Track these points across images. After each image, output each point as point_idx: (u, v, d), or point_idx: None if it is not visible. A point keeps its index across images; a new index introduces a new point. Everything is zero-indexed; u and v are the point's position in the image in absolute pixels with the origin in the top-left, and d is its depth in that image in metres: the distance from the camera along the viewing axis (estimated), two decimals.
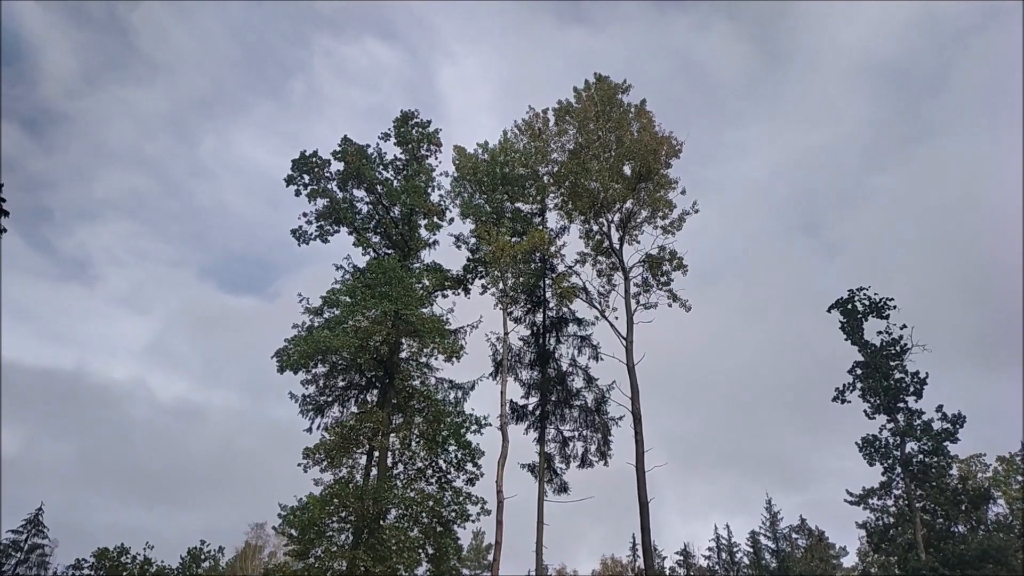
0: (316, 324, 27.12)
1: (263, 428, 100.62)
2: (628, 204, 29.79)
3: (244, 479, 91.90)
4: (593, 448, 30.04)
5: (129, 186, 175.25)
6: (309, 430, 28.38)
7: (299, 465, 25.51)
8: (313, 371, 27.96)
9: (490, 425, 27.49)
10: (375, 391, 29.44)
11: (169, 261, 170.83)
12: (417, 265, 30.92)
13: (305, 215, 30.17)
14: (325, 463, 25.77)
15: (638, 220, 30.00)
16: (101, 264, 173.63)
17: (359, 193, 30.67)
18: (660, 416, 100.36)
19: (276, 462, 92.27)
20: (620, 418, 29.75)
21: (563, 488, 29.48)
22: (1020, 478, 49.04)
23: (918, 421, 29.62)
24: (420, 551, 25.56)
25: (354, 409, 28.93)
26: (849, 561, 55.96)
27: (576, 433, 30.39)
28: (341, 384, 29.44)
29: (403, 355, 29.89)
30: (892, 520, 29.35)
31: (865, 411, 30.80)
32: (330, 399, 29.19)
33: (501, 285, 31.28)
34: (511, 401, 30.22)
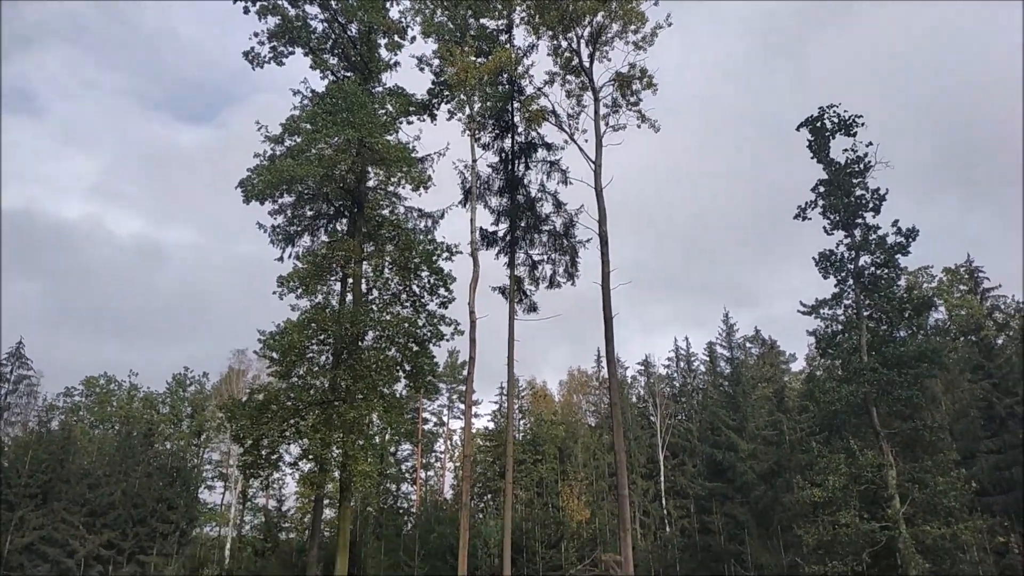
0: (278, 153, 26.43)
1: (231, 263, 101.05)
2: (599, 17, 28.24)
3: (219, 312, 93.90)
4: (561, 270, 30.95)
5: (65, 8, 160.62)
6: (281, 259, 28.68)
7: (274, 293, 26.03)
8: (279, 201, 27.72)
9: (461, 252, 27.97)
10: (344, 220, 29.45)
11: (117, 90, 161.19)
12: (379, 89, 29.67)
13: (256, 35, 28.25)
14: (300, 291, 26.31)
15: (609, 35, 28.60)
16: (46, 95, 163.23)
17: (312, 9, 28.58)
18: (625, 240, 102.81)
19: (248, 295, 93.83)
20: (587, 241, 30.40)
21: (532, 308, 30.69)
22: (963, 287, 52.16)
23: (874, 236, 30.73)
24: (398, 369, 27.00)
25: (324, 238, 29.10)
26: (798, 366, 60.58)
27: (545, 256, 31.13)
28: (309, 214, 29.33)
29: (370, 184, 29.56)
30: (840, 327, 31.37)
31: (824, 228, 31.71)
32: (299, 229, 29.21)
33: (468, 110, 30.36)
34: (481, 228, 30.52)
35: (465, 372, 33.28)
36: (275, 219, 28.52)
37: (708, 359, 58.92)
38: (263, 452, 25.69)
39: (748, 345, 59.78)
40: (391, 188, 29.05)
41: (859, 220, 31.22)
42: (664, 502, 50.19)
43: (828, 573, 26.17)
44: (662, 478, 50.93)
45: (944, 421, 34.30)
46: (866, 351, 29.51)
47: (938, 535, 25.51)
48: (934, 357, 29.30)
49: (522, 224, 30.71)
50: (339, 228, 29.30)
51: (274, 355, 25.27)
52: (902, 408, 28.94)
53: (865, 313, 30.53)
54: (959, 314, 49.67)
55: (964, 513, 26.67)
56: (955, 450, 29.88)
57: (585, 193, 29.56)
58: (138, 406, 59.42)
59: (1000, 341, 43.64)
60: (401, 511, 52.14)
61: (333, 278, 28.14)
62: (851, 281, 30.98)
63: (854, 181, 31.32)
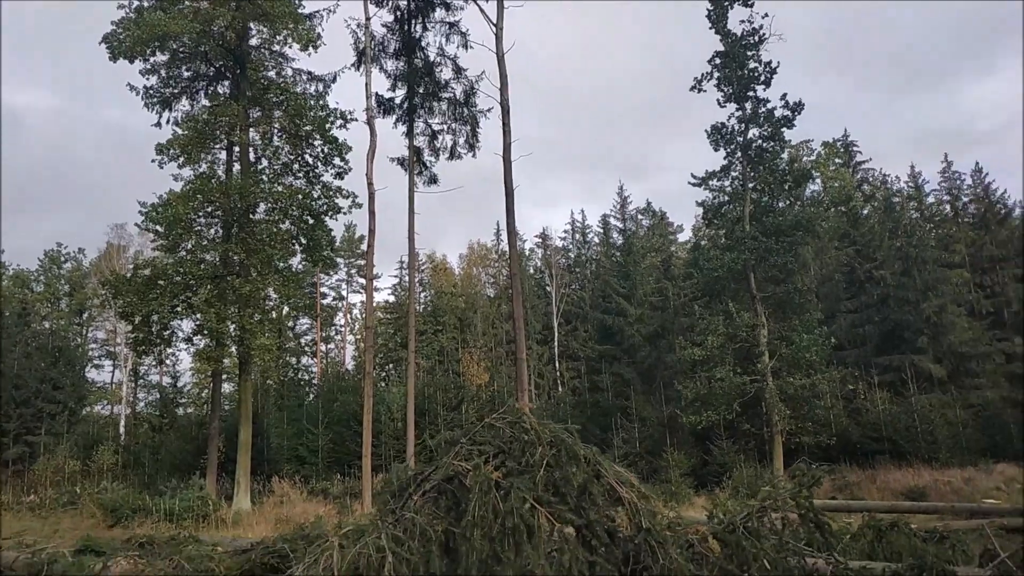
0: (146, 5, 23.81)
1: (100, 129, 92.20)
2: None
3: (90, 183, 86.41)
4: (462, 140, 30.24)
5: None
6: (158, 125, 26.65)
7: (153, 161, 24.35)
8: (152, 60, 25.31)
9: (356, 120, 26.75)
10: (226, 83, 27.36)
11: None
12: None
13: None
14: (181, 159, 24.72)
15: None
16: None
17: None
18: (525, 114, 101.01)
19: (123, 164, 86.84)
20: (488, 110, 29.67)
21: (433, 180, 30.13)
22: (838, 161, 55.43)
23: (763, 109, 31.72)
24: (293, 242, 26.34)
25: (205, 102, 27.05)
26: (685, 236, 63.52)
27: (445, 126, 30.20)
28: (186, 75, 27.04)
29: (253, 43, 27.39)
30: (727, 199, 32.90)
31: (718, 100, 32.37)
32: (176, 91, 26.99)
33: None
34: (377, 94, 29.05)
35: (363, 246, 32.90)
36: (148, 80, 26.17)
37: (602, 231, 60.74)
38: (154, 328, 24.93)
39: (640, 217, 61.88)
40: (276, 47, 27.11)
41: (751, 93, 31.98)
42: (557, 365, 53.07)
43: (703, 421, 28.95)
44: (556, 343, 53.55)
45: (812, 284, 37.48)
46: (748, 221, 31.25)
47: (799, 385, 28.54)
48: (808, 226, 31.49)
49: (420, 91, 29.49)
50: (221, 91, 27.25)
51: (158, 228, 24.00)
52: (777, 273, 31.26)
53: (750, 185, 32.02)
54: (833, 186, 53.06)
55: (823, 366, 29.80)
56: (819, 310, 32.80)
57: (486, 59, 28.54)
58: (8, 284, 55.36)
59: (865, 212, 47.27)
60: (303, 383, 52.57)
61: (218, 146, 26.50)
62: (739, 153, 32.16)
63: (748, 53, 31.79)
